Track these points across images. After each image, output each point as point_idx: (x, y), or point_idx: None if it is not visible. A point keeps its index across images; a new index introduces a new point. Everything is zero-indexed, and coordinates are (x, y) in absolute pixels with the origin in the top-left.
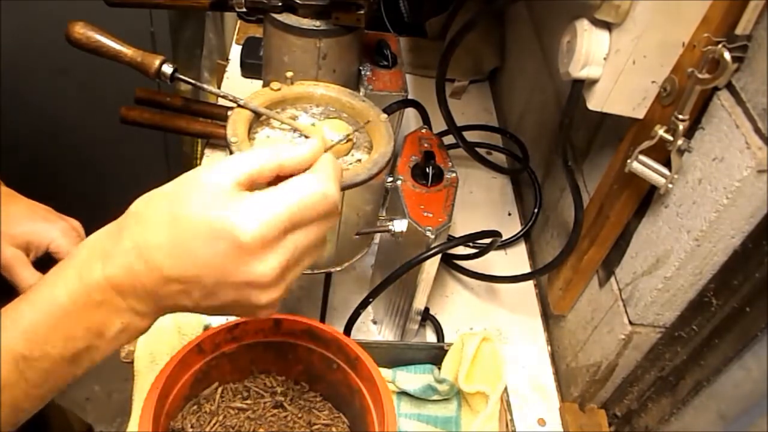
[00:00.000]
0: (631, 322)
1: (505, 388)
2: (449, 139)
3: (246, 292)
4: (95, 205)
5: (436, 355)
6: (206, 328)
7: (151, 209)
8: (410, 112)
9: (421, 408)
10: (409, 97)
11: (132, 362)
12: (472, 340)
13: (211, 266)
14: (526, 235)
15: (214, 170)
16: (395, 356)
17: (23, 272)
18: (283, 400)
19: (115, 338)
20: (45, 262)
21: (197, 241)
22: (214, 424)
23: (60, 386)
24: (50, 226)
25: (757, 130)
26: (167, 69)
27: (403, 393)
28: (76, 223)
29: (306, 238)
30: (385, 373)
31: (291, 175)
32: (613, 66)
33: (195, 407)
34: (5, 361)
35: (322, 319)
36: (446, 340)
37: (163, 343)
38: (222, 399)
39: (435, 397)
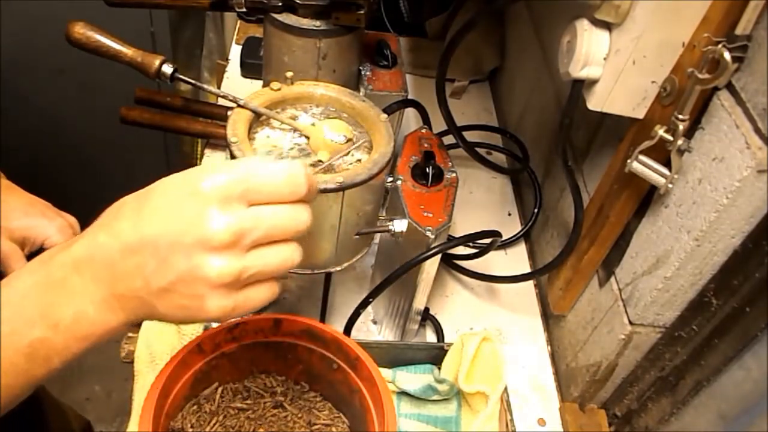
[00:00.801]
0: (631, 322)
1: (505, 388)
2: (449, 139)
3: (197, 257)
4: (95, 205)
5: (436, 355)
6: (206, 328)
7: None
8: (410, 112)
9: (421, 408)
10: (409, 97)
11: (132, 362)
12: (472, 340)
13: (168, 220)
14: (526, 235)
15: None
16: (395, 356)
17: (19, 267)
18: (283, 400)
19: (69, 331)
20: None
21: (158, 197)
22: (214, 424)
23: (18, 388)
24: (47, 223)
25: (757, 130)
26: (167, 69)
27: (403, 393)
28: (73, 220)
29: (268, 216)
30: (385, 373)
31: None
32: (613, 66)
33: (195, 407)
34: None
35: (322, 319)
36: (446, 340)
37: (163, 343)
38: (222, 399)
39: (435, 397)
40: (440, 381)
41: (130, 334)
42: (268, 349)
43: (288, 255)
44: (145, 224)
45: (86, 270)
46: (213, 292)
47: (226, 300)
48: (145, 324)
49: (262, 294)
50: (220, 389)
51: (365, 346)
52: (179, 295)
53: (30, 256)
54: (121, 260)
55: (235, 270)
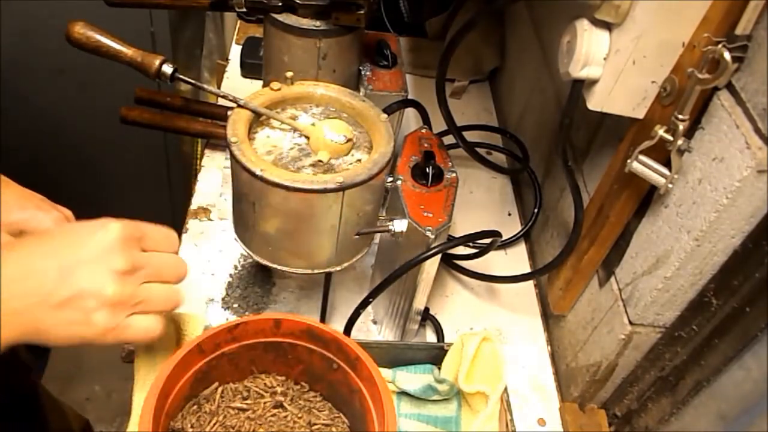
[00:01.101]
0: (631, 322)
1: (505, 388)
2: (449, 139)
3: (101, 276)
4: (95, 205)
5: (436, 355)
6: (206, 328)
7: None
8: (410, 112)
9: (421, 408)
10: (409, 97)
11: (132, 362)
12: (472, 340)
13: (78, 247)
14: (526, 235)
15: None
16: (395, 356)
17: None
18: (283, 400)
19: None
20: None
21: (66, 235)
22: (214, 424)
23: None
24: (43, 216)
25: (757, 130)
26: (167, 69)
27: (403, 393)
28: (68, 213)
29: (157, 259)
30: (385, 373)
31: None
32: (613, 66)
33: (195, 407)
34: None
35: (322, 319)
36: (446, 340)
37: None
38: (222, 399)
39: (435, 397)
40: (440, 381)
41: None
42: (268, 349)
43: (170, 293)
44: (51, 253)
45: None
46: (103, 308)
47: (112, 318)
48: None
49: (144, 323)
50: (220, 389)
51: (365, 346)
52: (72, 310)
53: None
54: (23, 280)
55: (127, 292)
